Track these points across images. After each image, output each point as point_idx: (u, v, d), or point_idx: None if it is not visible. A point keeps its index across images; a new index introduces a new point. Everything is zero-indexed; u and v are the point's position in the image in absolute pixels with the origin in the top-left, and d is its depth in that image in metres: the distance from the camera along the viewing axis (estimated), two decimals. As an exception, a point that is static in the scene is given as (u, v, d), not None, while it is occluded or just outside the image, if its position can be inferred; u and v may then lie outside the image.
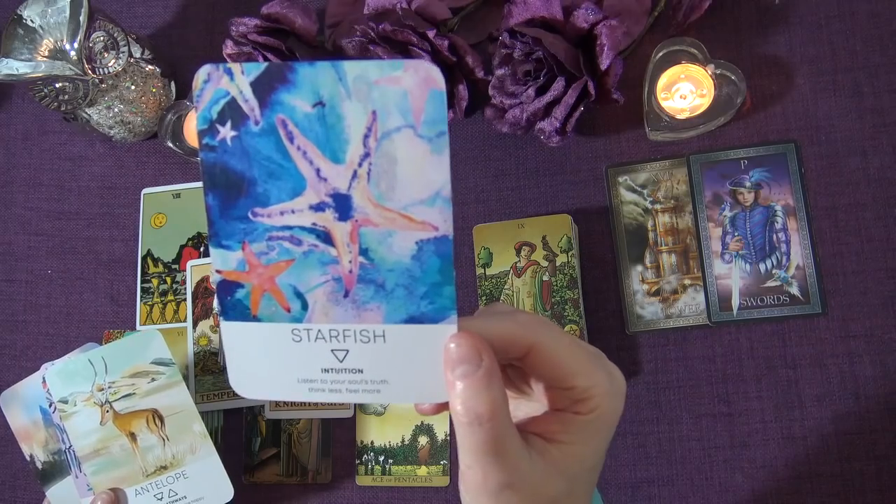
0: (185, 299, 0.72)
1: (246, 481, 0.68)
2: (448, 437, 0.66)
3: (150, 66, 0.73)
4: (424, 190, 0.30)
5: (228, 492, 0.61)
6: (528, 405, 0.37)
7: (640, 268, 0.65)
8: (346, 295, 0.32)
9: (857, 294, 0.62)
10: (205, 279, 0.72)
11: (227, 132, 0.31)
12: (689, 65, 0.65)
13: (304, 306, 0.32)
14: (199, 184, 0.75)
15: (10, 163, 0.80)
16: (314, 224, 0.31)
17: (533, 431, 0.34)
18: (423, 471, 0.65)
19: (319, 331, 0.32)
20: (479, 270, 0.65)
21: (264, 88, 0.30)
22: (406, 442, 0.66)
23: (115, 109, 0.71)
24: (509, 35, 0.64)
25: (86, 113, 0.71)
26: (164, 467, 0.60)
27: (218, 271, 0.32)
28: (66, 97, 0.68)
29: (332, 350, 0.32)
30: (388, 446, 0.66)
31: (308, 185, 0.31)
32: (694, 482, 0.61)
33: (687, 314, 0.64)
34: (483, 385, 0.30)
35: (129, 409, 0.61)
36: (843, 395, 0.60)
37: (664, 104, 0.65)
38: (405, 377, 0.32)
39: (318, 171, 0.30)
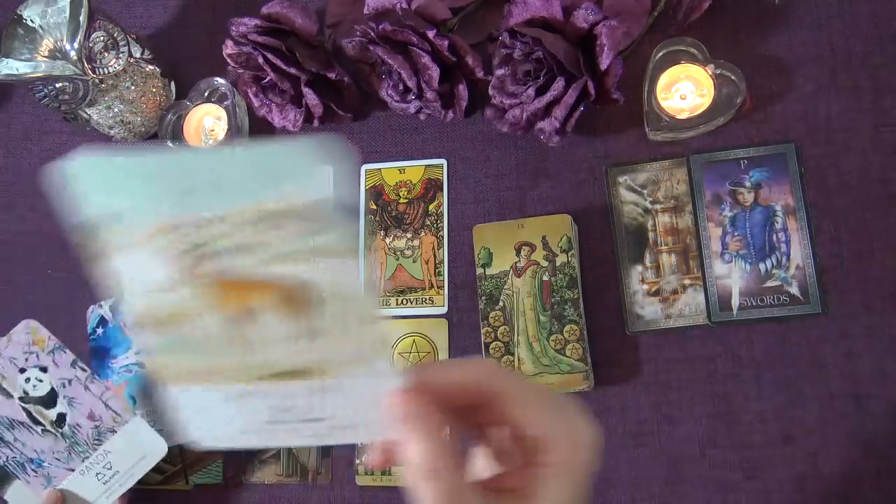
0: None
1: (246, 481, 0.68)
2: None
3: (150, 66, 0.73)
4: None
5: (162, 447, 0.62)
6: (493, 462, 0.37)
7: (640, 268, 0.65)
8: (153, 391, 0.65)
9: (857, 294, 0.62)
10: (205, 279, 0.72)
11: (99, 331, 0.71)
12: (689, 65, 0.65)
13: (134, 402, 0.68)
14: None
15: (10, 163, 0.80)
16: (137, 360, 0.70)
17: (500, 487, 0.33)
18: (423, 471, 0.65)
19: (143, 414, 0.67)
20: (479, 270, 0.65)
21: (113, 308, 0.70)
22: (406, 442, 0.66)
23: (115, 109, 0.71)
24: (509, 35, 0.64)
25: (86, 113, 0.71)
26: (298, 372, 0.33)
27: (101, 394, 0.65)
28: (66, 97, 0.68)
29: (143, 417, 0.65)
30: (388, 446, 0.66)
31: (133, 344, 0.69)
32: (694, 482, 0.61)
33: (687, 314, 0.64)
34: (429, 440, 0.31)
35: (244, 272, 0.31)
36: (843, 395, 0.60)
37: (664, 104, 0.65)
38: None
39: None
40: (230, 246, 0.31)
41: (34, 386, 0.61)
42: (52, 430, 0.62)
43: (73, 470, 0.62)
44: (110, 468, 0.62)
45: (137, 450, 0.62)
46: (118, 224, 0.31)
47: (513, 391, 0.33)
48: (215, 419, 0.35)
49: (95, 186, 0.30)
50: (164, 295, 0.32)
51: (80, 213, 0.30)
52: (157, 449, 0.62)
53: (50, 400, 0.62)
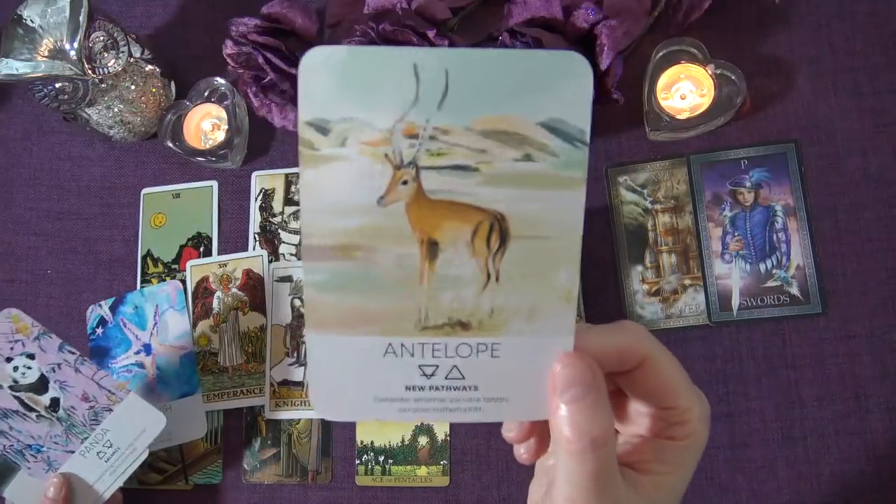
0: (185, 299, 0.72)
1: (246, 481, 0.68)
2: (448, 438, 0.66)
3: (150, 66, 0.73)
4: (180, 330, 0.70)
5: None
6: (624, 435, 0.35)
7: (640, 268, 0.65)
8: (152, 391, 0.69)
9: (857, 294, 0.62)
10: (204, 279, 0.72)
11: (99, 331, 0.72)
12: (689, 65, 0.65)
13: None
14: (199, 184, 0.75)
15: (10, 163, 0.80)
16: (137, 360, 0.70)
17: (623, 463, 0.31)
18: (423, 471, 0.65)
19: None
20: (480, 270, 0.65)
21: (113, 308, 0.71)
22: (406, 442, 0.66)
23: (115, 109, 0.71)
24: (509, 35, 0.64)
25: (86, 113, 0.71)
26: (465, 324, 0.30)
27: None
28: (66, 97, 0.68)
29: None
30: (388, 446, 0.66)
31: (132, 343, 0.71)
32: (694, 482, 0.61)
33: (687, 314, 0.64)
34: (599, 407, 0.29)
35: (448, 196, 0.29)
36: (843, 395, 0.60)
37: (664, 104, 0.65)
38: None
39: (136, 336, 0.71)
40: (443, 164, 0.28)
41: (23, 374, 0.61)
42: (47, 416, 0.61)
43: (72, 452, 0.61)
44: (110, 446, 0.61)
45: (136, 425, 0.62)
46: (326, 134, 0.27)
47: (662, 358, 0.31)
48: (352, 380, 0.30)
49: (318, 89, 0.27)
50: (352, 218, 0.28)
51: (301, 116, 0.27)
52: (155, 422, 0.62)
53: (41, 386, 0.61)
